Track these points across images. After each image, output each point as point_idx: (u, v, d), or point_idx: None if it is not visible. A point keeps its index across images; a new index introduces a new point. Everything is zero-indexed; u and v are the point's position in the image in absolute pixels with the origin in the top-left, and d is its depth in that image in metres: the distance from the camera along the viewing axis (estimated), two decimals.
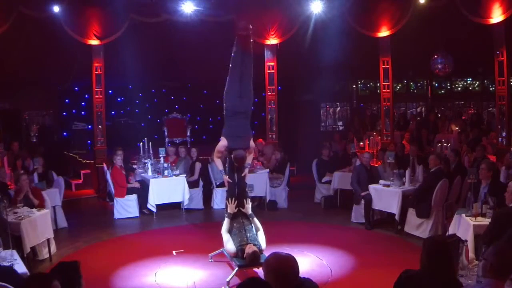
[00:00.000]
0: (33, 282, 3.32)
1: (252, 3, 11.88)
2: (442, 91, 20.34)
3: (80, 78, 13.90)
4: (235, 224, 6.68)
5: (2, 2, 10.39)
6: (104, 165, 11.03)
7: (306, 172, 11.94)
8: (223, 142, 7.10)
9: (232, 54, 7.13)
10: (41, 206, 7.82)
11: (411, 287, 3.47)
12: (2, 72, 12.81)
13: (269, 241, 6.69)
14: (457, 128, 14.16)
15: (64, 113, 15.91)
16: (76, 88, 15.59)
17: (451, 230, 6.93)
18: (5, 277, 4.34)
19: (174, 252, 7.68)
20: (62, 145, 14.76)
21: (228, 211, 6.76)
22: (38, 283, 3.24)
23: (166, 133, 14.86)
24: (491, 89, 17.62)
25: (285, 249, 5.22)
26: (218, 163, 7.33)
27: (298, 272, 3.16)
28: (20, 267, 5.17)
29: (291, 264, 3.15)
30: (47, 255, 7.51)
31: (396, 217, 8.46)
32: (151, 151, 11.02)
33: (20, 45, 12.09)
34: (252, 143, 7.33)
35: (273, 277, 3.09)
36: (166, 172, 10.26)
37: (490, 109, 17.03)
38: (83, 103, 15.54)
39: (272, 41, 12.32)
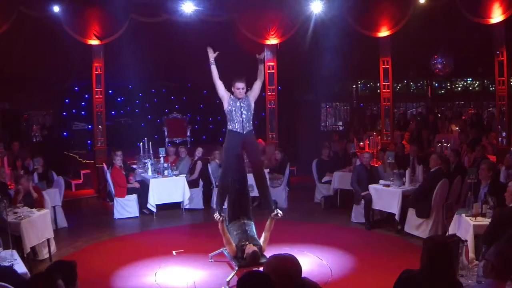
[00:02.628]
0: (37, 281, 3.31)
1: (252, 3, 11.89)
2: (442, 91, 20.37)
3: (80, 78, 13.91)
4: (234, 224, 6.67)
5: (2, 2, 10.39)
6: (104, 165, 11.03)
7: (306, 172, 11.93)
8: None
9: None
10: (41, 205, 7.81)
11: (411, 287, 3.47)
12: (2, 72, 12.82)
13: (269, 241, 6.66)
14: (457, 128, 14.16)
15: (64, 113, 15.90)
16: (76, 88, 15.59)
17: (451, 230, 6.93)
18: (5, 277, 4.34)
19: (174, 252, 7.67)
20: (62, 145, 14.77)
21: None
22: (42, 283, 3.23)
23: (166, 133, 14.88)
24: (491, 89, 17.64)
25: (285, 249, 5.21)
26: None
27: (300, 272, 3.16)
28: (20, 267, 5.16)
29: (292, 263, 3.15)
30: (47, 255, 7.50)
31: (396, 217, 8.46)
32: (151, 151, 11.03)
33: (20, 45, 12.10)
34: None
35: (275, 277, 3.08)
36: (166, 172, 10.26)
37: (490, 109, 17.04)
38: (83, 103, 15.54)
39: (272, 41, 12.32)
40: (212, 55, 6.73)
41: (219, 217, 6.39)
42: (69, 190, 12.08)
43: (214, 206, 6.81)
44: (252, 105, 6.70)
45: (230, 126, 6.66)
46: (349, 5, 11.62)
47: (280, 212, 6.58)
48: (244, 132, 6.63)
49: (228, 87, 6.75)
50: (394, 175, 8.78)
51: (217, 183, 10.48)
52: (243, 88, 6.59)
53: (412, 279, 3.48)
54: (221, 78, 6.76)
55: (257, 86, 6.77)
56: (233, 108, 6.59)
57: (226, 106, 6.66)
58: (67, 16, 11.04)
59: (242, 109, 6.58)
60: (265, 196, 6.96)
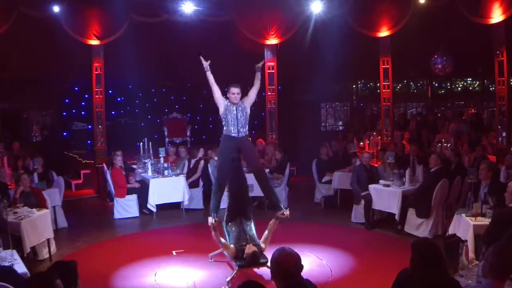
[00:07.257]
0: (35, 281, 3.32)
1: (252, 3, 11.89)
2: (442, 91, 20.36)
3: (80, 78, 13.92)
4: (233, 225, 6.67)
5: (2, 2, 10.40)
6: (104, 165, 11.03)
7: (306, 172, 11.93)
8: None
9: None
10: (44, 206, 7.80)
11: (409, 286, 3.46)
12: (2, 72, 12.82)
13: (269, 242, 6.66)
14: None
15: (64, 113, 15.93)
16: (76, 88, 15.61)
17: (451, 230, 6.93)
18: (5, 277, 4.34)
19: (174, 252, 7.68)
20: (62, 145, 14.77)
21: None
22: (40, 283, 3.24)
23: (166, 133, 14.87)
24: (491, 89, 17.63)
25: None
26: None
27: (299, 268, 3.20)
28: (20, 267, 5.17)
29: (292, 259, 3.21)
30: (47, 255, 7.51)
31: (396, 217, 8.46)
32: (151, 151, 11.03)
33: (20, 45, 12.10)
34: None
35: (275, 270, 3.19)
36: (166, 172, 10.27)
37: (490, 109, 17.04)
38: (83, 103, 15.56)
39: (272, 41, 12.31)
40: (205, 63, 6.76)
41: (213, 221, 6.44)
42: (69, 190, 12.08)
43: (210, 209, 6.76)
44: (248, 110, 6.74)
45: (225, 131, 6.71)
46: (349, 5, 11.63)
47: (287, 212, 6.63)
48: (239, 136, 6.66)
49: (223, 90, 6.80)
50: (394, 175, 8.78)
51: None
52: (238, 93, 6.64)
53: (410, 278, 3.47)
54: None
55: (253, 92, 6.81)
56: (228, 113, 6.64)
57: (221, 111, 6.71)
58: (67, 16, 11.05)
59: (237, 114, 6.63)
60: (270, 198, 6.95)
